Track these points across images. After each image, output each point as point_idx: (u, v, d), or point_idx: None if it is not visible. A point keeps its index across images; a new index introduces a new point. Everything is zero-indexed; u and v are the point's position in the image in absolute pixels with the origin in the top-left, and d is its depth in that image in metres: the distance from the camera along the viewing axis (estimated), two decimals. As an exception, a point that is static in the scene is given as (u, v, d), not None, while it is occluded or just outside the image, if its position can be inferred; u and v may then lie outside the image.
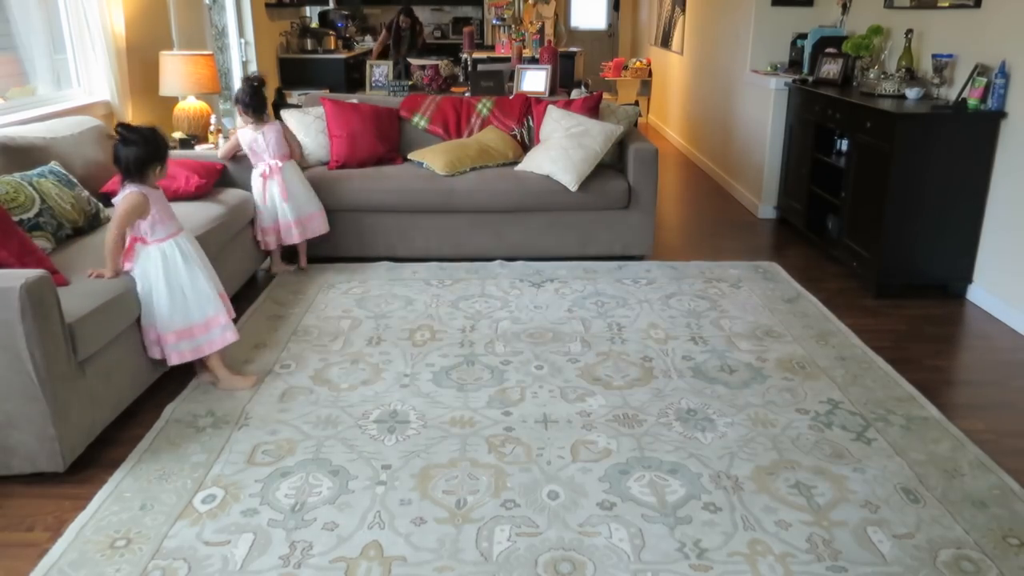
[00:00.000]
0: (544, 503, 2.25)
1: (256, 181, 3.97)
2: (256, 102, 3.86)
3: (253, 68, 6.47)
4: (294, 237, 4.03)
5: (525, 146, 4.61)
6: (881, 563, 2.02)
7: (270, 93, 6.77)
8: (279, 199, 3.94)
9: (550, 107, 4.54)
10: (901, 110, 3.78)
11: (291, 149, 4.03)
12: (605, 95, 5.08)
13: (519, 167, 4.37)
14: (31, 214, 2.86)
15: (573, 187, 4.15)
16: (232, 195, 3.80)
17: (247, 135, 3.90)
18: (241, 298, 3.79)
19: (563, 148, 4.22)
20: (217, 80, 4.62)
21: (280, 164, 3.93)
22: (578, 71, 7.42)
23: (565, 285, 4.00)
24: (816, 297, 3.85)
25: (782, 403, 2.82)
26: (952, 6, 4.01)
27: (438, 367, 3.10)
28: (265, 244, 4.07)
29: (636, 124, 4.81)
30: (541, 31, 7.17)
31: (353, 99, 4.73)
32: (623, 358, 3.18)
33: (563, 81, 6.44)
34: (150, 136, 2.67)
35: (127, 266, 2.72)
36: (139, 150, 2.62)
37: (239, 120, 3.97)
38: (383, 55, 7.70)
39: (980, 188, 3.75)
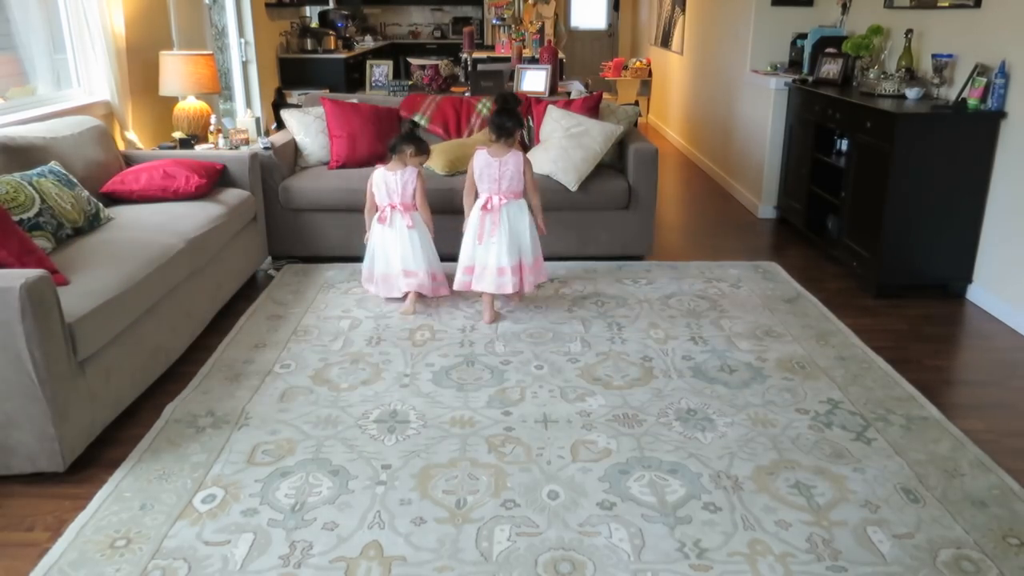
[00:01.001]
0: (544, 503, 2.25)
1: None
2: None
3: (253, 68, 6.45)
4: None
5: (525, 146, 4.60)
6: (881, 563, 2.02)
7: (270, 93, 6.78)
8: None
9: (550, 107, 4.53)
10: (901, 110, 3.78)
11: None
12: (605, 95, 5.08)
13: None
14: (31, 214, 2.86)
15: (573, 187, 4.15)
16: (232, 195, 3.80)
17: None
18: (241, 298, 3.80)
19: (563, 148, 4.22)
20: (217, 80, 4.62)
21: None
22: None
23: (565, 285, 4.00)
24: (816, 297, 3.85)
25: (782, 403, 2.82)
26: (952, 6, 4.01)
27: (438, 367, 3.10)
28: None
29: (636, 124, 4.81)
30: (541, 31, 7.17)
31: (353, 99, 4.73)
32: (623, 358, 3.18)
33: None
34: (406, 130, 3.67)
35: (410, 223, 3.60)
36: (393, 138, 3.61)
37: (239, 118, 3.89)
38: None
39: (980, 188, 3.75)
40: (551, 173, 4.19)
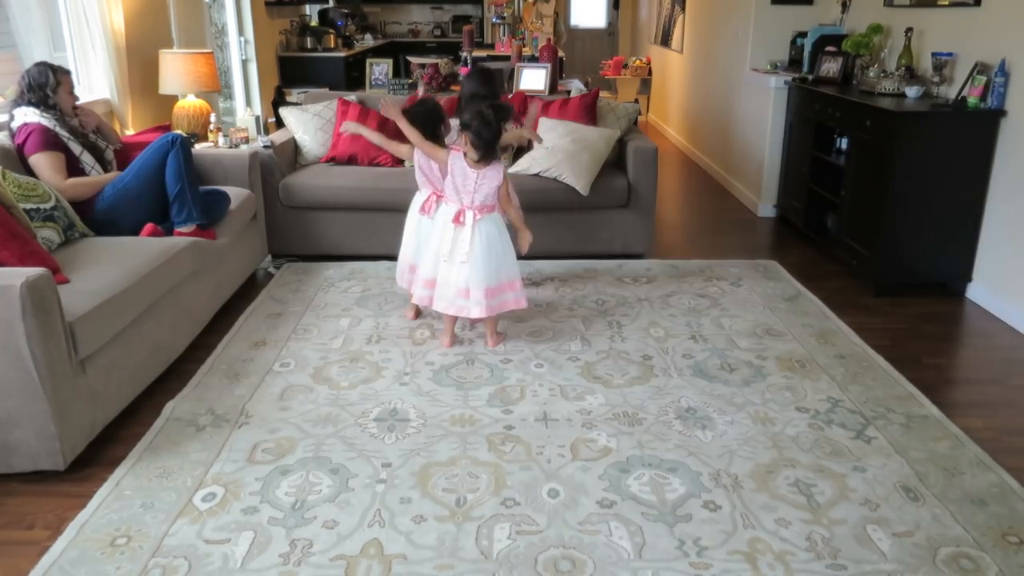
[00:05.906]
0: (544, 501, 2.25)
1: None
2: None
3: (253, 66, 6.44)
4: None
5: (523, 146, 4.58)
6: (881, 561, 2.02)
7: (270, 91, 6.77)
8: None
9: (541, 119, 4.42)
10: (901, 108, 3.78)
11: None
12: (605, 94, 5.08)
13: (517, 166, 4.35)
14: (47, 206, 2.94)
15: (585, 191, 4.10)
16: (232, 193, 3.79)
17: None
18: (241, 296, 3.80)
19: (569, 152, 4.18)
20: (217, 78, 4.62)
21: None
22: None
23: (565, 284, 4.00)
24: (816, 295, 3.85)
25: (782, 401, 2.83)
26: (952, 4, 4.01)
27: (438, 365, 3.10)
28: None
29: (636, 122, 4.81)
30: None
31: (352, 98, 4.73)
32: (623, 356, 3.18)
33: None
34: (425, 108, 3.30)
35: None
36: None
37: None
38: None
39: (979, 186, 3.74)
40: (560, 175, 4.15)
